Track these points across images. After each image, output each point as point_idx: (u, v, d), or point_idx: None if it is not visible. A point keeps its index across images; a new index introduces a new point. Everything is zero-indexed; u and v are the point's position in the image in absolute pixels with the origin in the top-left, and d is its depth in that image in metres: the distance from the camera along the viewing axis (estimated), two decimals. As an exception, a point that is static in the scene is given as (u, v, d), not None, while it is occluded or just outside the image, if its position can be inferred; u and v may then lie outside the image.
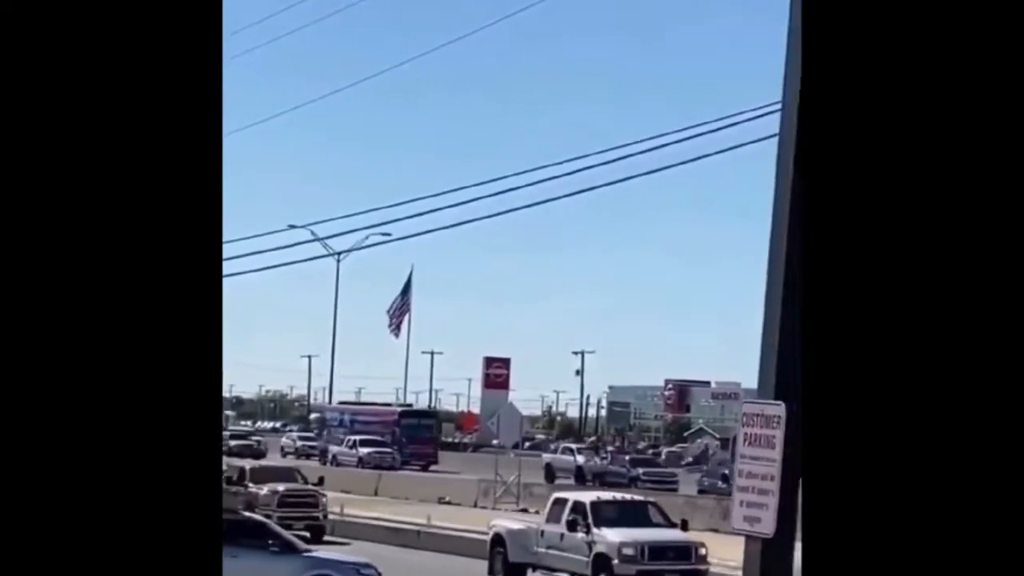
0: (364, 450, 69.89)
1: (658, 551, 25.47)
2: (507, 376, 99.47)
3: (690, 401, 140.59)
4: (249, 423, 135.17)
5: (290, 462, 60.88)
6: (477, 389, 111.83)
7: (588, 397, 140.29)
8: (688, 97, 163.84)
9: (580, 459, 67.11)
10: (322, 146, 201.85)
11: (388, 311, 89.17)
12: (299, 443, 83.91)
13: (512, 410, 51.01)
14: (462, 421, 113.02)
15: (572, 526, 26.14)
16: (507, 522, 29.60)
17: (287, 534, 23.94)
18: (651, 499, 30.54)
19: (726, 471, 54.09)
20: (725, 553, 23.71)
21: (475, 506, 45.26)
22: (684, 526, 27.00)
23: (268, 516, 28.24)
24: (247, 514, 25.84)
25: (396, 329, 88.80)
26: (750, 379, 10.94)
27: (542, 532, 27.18)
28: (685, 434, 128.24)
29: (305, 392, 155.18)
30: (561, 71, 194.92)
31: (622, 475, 61.01)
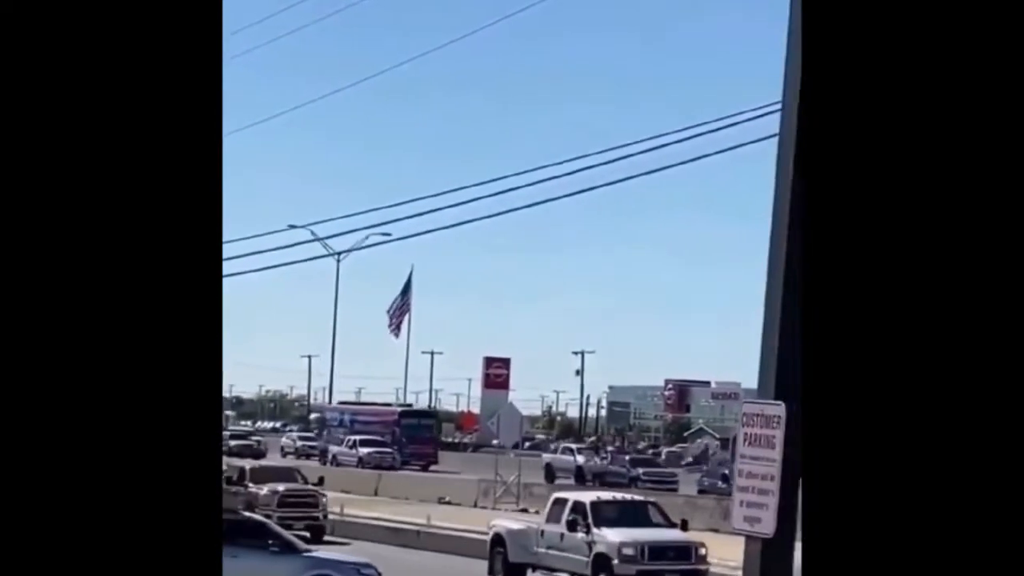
0: (364, 450, 69.81)
1: (658, 551, 25.41)
2: (507, 376, 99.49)
3: (690, 401, 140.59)
4: (249, 423, 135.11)
5: (290, 462, 60.80)
6: (477, 389, 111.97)
7: (588, 397, 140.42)
8: (689, 96, 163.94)
9: (580, 459, 67.00)
10: (322, 146, 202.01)
11: (388, 311, 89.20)
12: (299, 443, 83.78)
13: (512, 410, 51.01)
14: (462, 421, 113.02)
15: (572, 526, 26.08)
16: (507, 522, 29.55)
17: (287, 534, 23.92)
18: (651, 499, 30.48)
19: (726, 471, 54.03)
20: (725, 553, 23.72)
21: (475, 506, 45.26)
22: (684, 526, 26.96)
23: (268, 516, 28.17)
24: (247, 514, 25.82)
25: (396, 329, 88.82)
26: (750, 379, 10.94)
27: (542, 532, 27.13)
28: (685, 434, 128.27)
29: (305, 392, 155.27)
30: (561, 70, 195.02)
31: (622, 475, 60.92)
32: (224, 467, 34.64)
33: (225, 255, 14.03)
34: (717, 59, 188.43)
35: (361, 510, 38.65)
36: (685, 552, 25.66)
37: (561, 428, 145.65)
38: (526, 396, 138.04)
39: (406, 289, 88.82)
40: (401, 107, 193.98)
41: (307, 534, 31.77)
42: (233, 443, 73.54)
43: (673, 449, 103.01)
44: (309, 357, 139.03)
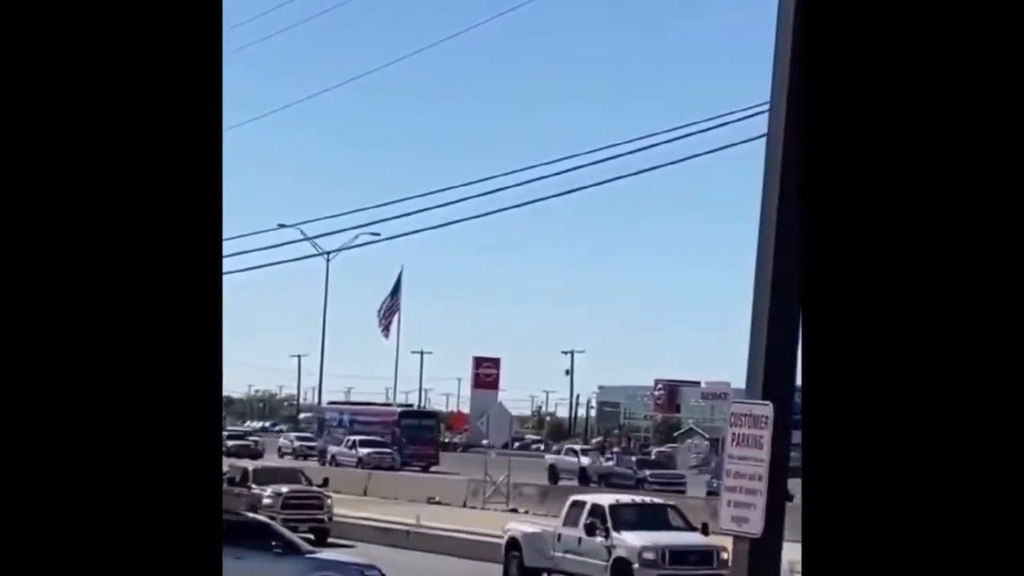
0: (363, 451, 69.36)
1: (679, 555, 24.78)
2: (497, 376, 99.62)
3: (680, 401, 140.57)
4: (239, 423, 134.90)
5: (288, 463, 60.52)
6: (467, 389, 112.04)
7: (578, 397, 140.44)
8: (682, 97, 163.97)
9: (585, 460, 66.04)
10: (311, 145, 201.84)
11: (378, 311, 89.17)
12: (297, 443, 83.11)
13: (501, 410, 51.00)
14: (452, 421, 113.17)
15: (591, 530, 25.55)
16: (522, 525, 28.96)
17: (291, 535, 23.82)
18: (671, 502, 29.60)
19: None
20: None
21: (464, 506, 45.25)
22: (705, 530, 25.86)
23: (272, 518, 27.93)
24: (251, 515, 25.75)
25: (386, 330, 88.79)
26: (740, 379, 10.94)
27: (559, 536, 26.54)
28: (675, 434, 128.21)
29: (294, 392, 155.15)
30: (552, 70, 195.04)
31: (628, 476, 60.19)
32: (226, 468, 34.50)
33: (215, 255, 13.98)
34: (712, 59, 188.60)
35: (350, 510, 38.56)
36: (707, 556, 24.84)
37: (551, 428, 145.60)
38: (516, 396, 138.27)
39: (396, 289, 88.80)
40: (390, 106, 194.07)
41: (311, 536, 31.46)
42: (230, 443, 73.09)
43: (663, 449, 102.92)
44: (299, 357, 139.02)
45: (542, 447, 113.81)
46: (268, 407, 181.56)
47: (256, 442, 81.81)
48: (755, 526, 10.23)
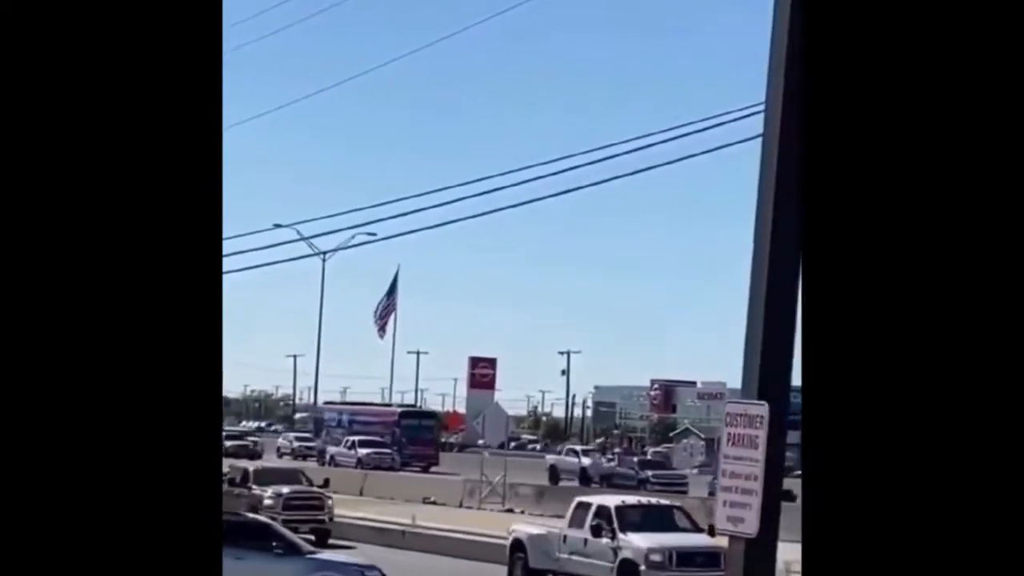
0: (363, 451, 69.07)
1: (686, 557, 24.53)
2: (493, 376, 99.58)
3: (676, 401, 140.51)
4: (235, 423, 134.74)
5: (287, 463, 60.33)
6: (463, 389, 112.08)
7: (574, 397, 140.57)
8: (679, 97, 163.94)
9: (586, 461, 65.79)
10: (308, 145, 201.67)
11: (375, 311, 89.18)
12: (296, 443, 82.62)
13: (498, 410, 51.06)
14: (448, 421, 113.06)
15: (597, 531, 25.31)
16: (527, 527, 28.73)
17: (291, 535, 23.78)
18: (677, 503, 29.43)
19: None
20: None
21: (460, 506, 45.27)
22: (711, 531, 25.43)
23: (273, 519, 27.83)
24: (251, 516, 25.72)
25: (382, 330, 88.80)
26: (736, 379, 10.94)
27: (564, 537, 26.33)
28: (671, 434, 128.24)
29: (290, 392, 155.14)
30: (548, 70, 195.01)
31: (630, 477, 59.91)
32: (225, 469, 34.39)
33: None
34: (708, 59, 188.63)
35: (346, 510, 38.55)
36: (714, 558, 24.19)
37: (547, 428, 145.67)
38: (512, 396, 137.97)
39: (392, 289, 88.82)
40: (387, 106, 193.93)
41: (312, 537, 31.34)
42: (228, 444, 72.70)
43: (659, 449, 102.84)
44: (294, 357, 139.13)
45: (538, 447, 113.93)
46: (264, 407, 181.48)
47: (255, 442, 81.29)
48: (751, 526, 10.23)
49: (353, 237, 41.83)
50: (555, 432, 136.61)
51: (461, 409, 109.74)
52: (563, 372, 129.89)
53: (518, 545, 27.35)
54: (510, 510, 43.13)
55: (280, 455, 78.65)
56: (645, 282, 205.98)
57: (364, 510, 39.50)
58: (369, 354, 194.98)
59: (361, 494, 46.96)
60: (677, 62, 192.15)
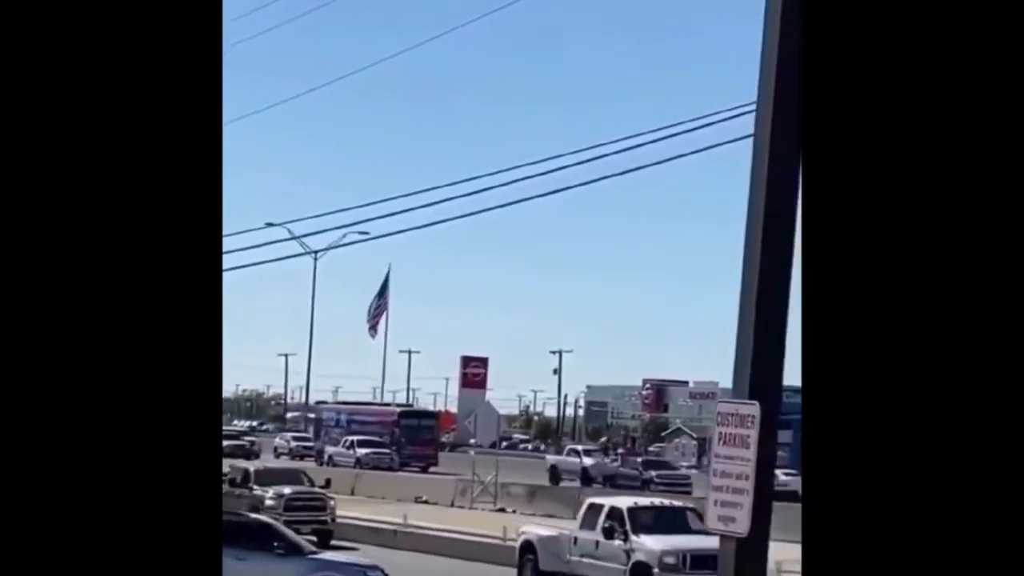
0: (362, 451, 68.66)
1: (700, 560, 23.53)
2: (485, 375, 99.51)
3: (668, 400, 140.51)
4: (230, 422, 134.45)
5: (284, 463, 60.05)
6: (454, 388, 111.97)
7: (566, 396, 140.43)
8: (668, 98, 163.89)
9: (587, 461, 65.24)
10: (299, 144, 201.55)
11: (368, 310, 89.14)
12: (293, 443, 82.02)
13: (489, 409, 51.06)
14: (440, 420, 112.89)
15: (609, 533, 25.00)
16: (538, 528, 28.36)
17: (293, 535, 23.67)
18: (690, 504, 28.73)
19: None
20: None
21: (452, 505, 45.27)
22: None
23: (274, 519, 27.65)
24: (253, 515, 25.65)
25: (373, 329, 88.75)
26: (728, 379, 10.95)
27: (575, 539, 26.00)
28: (663, 433, 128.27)
29: (281, 391, 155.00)
30: (539, 70, 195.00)
31: (634, 477, 59.51)
32: (225, 469, 34.25)
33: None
34: (700, 60, 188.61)
35: (338, 510, 38.55)
36: None
37: (539, 428, 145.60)
38: (503, 395, 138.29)
39: (383, 289, 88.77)
40: (377, 106, 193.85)
41: (314, 538, 31.14)
42: (225, 443, 72.11)
43: (651, 448, 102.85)
44: (286, 356, 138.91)
45: (530, 447, 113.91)
46: (255, 406, 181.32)
47: (252, 442, 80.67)
48: (742, 525, 10.25)
49: (344, 236, 41.84)
50: (547, 432, 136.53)
51: (453, 408, 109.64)
52: (555, 371, 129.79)
53: (528, 547, 27.02)
54: (502, 509, 43.15)
55: (277, 455, 78.04)
56: (637, 282, 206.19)
57: (356, 509, 39.45)
58: (361, 353, 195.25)
59: (353, 493, 46.94)
60: (668, 63, 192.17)
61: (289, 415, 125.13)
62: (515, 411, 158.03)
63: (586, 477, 62.30)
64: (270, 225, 36.99)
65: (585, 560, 25.62)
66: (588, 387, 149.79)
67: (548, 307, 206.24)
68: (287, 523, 28.27)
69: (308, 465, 61.59)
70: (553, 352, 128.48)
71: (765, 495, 10.35)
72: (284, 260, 56.94)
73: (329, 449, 72.27)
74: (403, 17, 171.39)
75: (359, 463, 65.66)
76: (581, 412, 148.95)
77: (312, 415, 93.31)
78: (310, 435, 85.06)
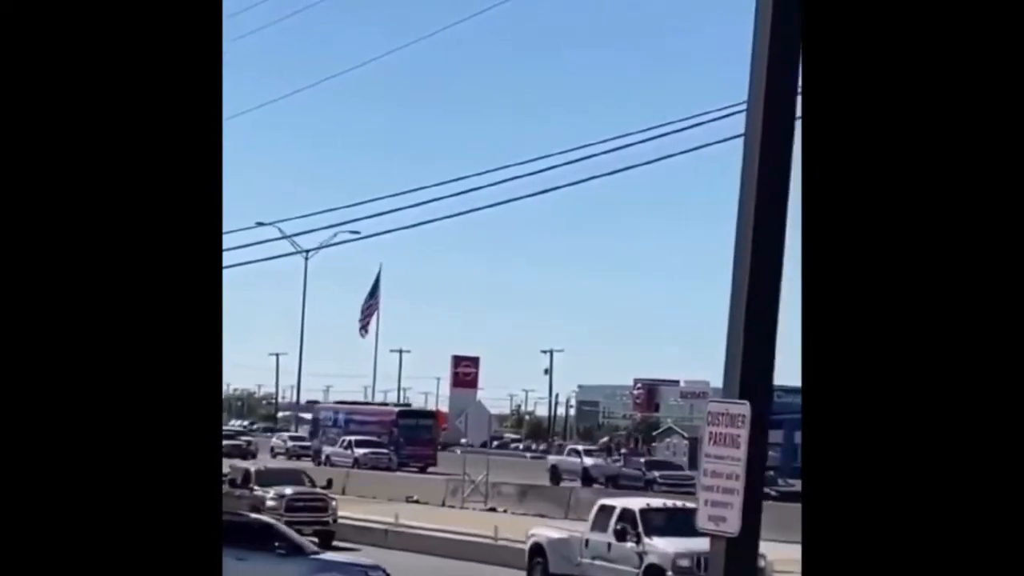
0: (360, 451, 68.43)
1: None
2: (476, 375, 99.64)
3: (659, 400, 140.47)
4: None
5: (281, 463, 59.88)
6: (446, 388, 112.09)
7: (557, 396, 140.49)
8: (657, 99, 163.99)
9: (588, 461, 65.02)
10: (287, 144, 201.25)
11: (362, 311, 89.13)
12: (290, 443, 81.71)
13: (480, 408, 51.06)
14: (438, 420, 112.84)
15: (621, 535, 24.59)
16: (547, 530, 27.99)
17: (295, 535, 23.58)
18: None
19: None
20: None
21: (443, 505, 45.27)
22: None
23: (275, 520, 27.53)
24: (254, 516, 25.59)
25: (364, 328, 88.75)
26: (719, 379, 10.96)
27: (587, 541, 25.60)
28: (654, 433, 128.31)
29: (272, 390, 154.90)
30: (526, 70, 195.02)
31: (637, 478, 59.26)
32: (226, 469, 34.14)
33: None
34: (690, 60, 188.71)
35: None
36: None
37: (530, 427, 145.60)
38: (495, 395, 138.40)
39: (374, 288, 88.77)
40: (364, 106, 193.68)
41: (315, 539, 30.96)
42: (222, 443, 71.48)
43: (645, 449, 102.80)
44: (277, 355, 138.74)
45: (521, 446, 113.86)
46: (246, 406, 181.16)
47: (249, 442, 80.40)
48: (732, 525, 10.26)
49: (335, 236, 41.85)
50: (538, 431, 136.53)
51: (444, 408, 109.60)
52: (546, 371, 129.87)
53: (538, 549, 26.65)
54: (493, 509, 43.16)
55: (274, 455, 77.48)
56: (628, 281, 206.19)
57: (347, 509, 39.38)
58: (352, 353, 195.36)
59: (344, 493, 46.92)
60: (660, 63, 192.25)
61: (280, 415, 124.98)
62: (506, 410, 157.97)
63: (587, 477, 61.98)
64: (260, 224, 37.01)
65: (596, 563, 25.22)
66: (579, 387, 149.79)
67: (539, 307, 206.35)
68: (289, 524, 28.01)
69: (306, 465, 61.48)
70: (544, 351, 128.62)
71: (755, 495, 10.36)
72: (275, 259, 56.77)
73: (327, 449, 71.99)
74: (391, 17, 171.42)
75: (357, 463, 65.35)
76: (572, 412, 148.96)
77: (303, 415, 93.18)
78: (304, 434, 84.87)
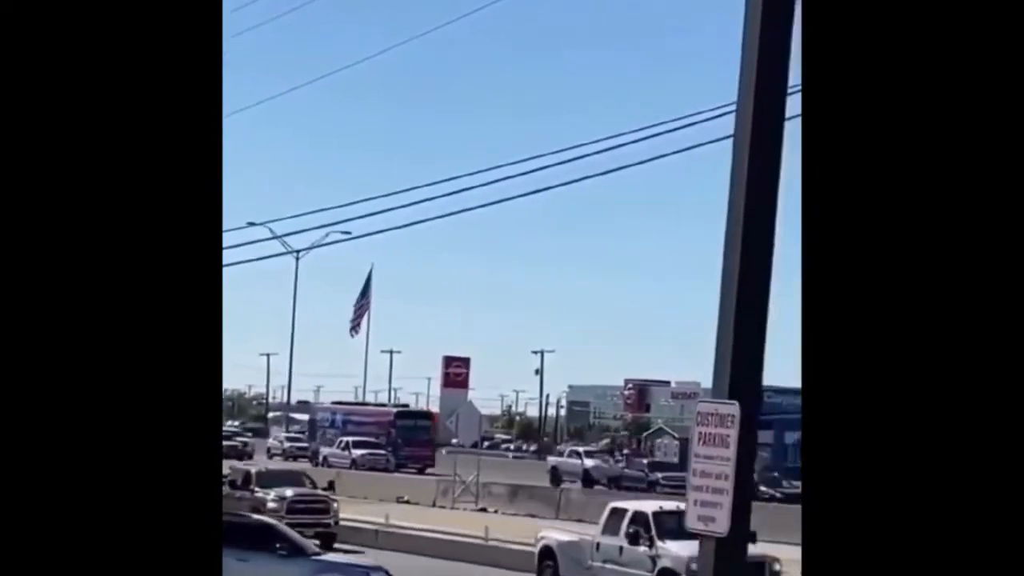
0: (357, 452, 68.11)
1: None
2: (467, 375, 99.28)
3: (650, 400, 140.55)
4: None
5: (280, 464, 59.71)
6: (436, 388, 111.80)
7: (548, 396, 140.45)
8: (650, 99, 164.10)
9: (589, 462, 64.78)
10: (279, 143, 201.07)
11: (354, 311, 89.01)
12: (287, 444, 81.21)
13: (471, 409, 51.08)
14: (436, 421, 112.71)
15: (634, 539, 24.08)
16: (558, 533, 27.50)
17: (296, 536, 23.48)
18: None
19: (775, 473, 52.74)
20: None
21: (434, 505, 45.26)
22: (753, 539, 24.31)
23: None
24: (256, 516, 25.54)
25: (354, 329, 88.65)
26: (710, 379, 10.97)
27: (598, 545, 25.17)
28: (644, 434, 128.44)
29: (262, 391, 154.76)
30: (520, 70, 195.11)
31: (640, 479, 59.06)
32: (227, 470, 34.00)
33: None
34: (682, 60, 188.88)
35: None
36: (758, 568, 22.59)
37: (520, 427, 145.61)
38: (485, 395, 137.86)
39: (366, 288, 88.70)
40: (358, 105, 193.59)
41: (317, 541, 30.77)
42: None
43: (633, 448, 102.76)
44: (267, 355, 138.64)
45: (511, 447, 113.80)
46: (236, 406, 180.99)
47: (245, 443, 79.97)
48: (721, 525, 10.27)
49: (327, 236, 41.80)
50: (529, 431, 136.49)
51: (435, 408, 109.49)
52: (537, 371, 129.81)
53: (547, 553, 26.26)
54: (483, 509, 43.16)
55: (271, 456, 77.13)
56: (619, 282, 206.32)
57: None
58: (342, 353, 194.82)
59: (334, 492, 46.83)
60: (653, 64, 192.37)
61: (271, 415, 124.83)
62: (497, 411, 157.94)
63: (588, 479, 61.69)
64: (252, 224, 36.97)
65: (608, 566, 24.81)
66: (570, 387, 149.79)
67: (530, 307, 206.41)
68: (290, 526, 27.61)
69: (303, 466, 61.21)
70: (535, 352, 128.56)
71: (744, 495, 10.37)
72: (266, 259, 56.74)
73: (324, 450, 71.65)
74: (385, 16, 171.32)
75: (355, 464, 64.98)
76: (563, 412, 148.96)
77: (294, 415, 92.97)
78: (295, 434, 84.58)
